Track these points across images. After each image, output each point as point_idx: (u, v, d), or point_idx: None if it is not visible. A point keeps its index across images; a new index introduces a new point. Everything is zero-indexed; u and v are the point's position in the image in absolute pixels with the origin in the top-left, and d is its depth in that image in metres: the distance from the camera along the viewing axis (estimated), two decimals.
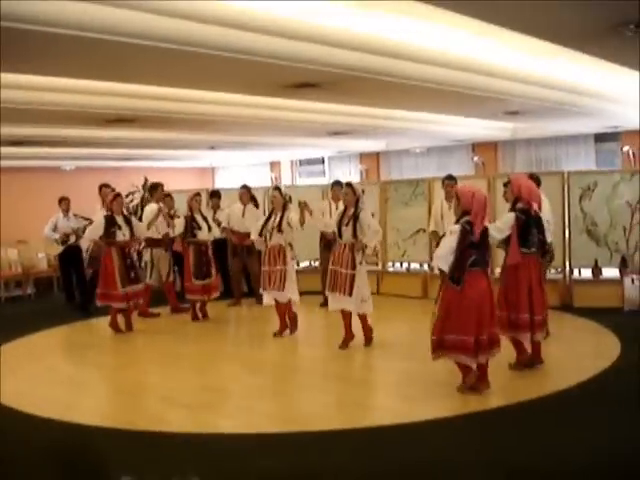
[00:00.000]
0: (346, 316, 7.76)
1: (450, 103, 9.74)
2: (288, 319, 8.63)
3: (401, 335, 8.98)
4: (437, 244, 6.31)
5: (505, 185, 7.28)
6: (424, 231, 11.14)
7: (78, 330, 9.74)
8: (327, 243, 10.27)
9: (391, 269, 12.20)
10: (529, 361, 6.63)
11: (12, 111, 8.42)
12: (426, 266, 11.45)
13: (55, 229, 11.25)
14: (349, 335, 7.84)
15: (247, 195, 11.04)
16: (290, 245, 8.54)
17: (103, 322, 9.39)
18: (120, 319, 9.16)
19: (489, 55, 7.47)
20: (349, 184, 7.86)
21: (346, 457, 4.76)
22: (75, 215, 11.47)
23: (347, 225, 7.61)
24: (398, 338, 8.77)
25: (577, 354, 7.37)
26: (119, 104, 8.76)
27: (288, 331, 8.64)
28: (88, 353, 8.36)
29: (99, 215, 9.41)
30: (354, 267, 7.55)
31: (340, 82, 7.70)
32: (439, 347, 5.77)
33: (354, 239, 7.55)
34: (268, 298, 8.52)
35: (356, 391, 6.42)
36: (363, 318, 7.81)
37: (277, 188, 8.86)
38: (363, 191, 7.90)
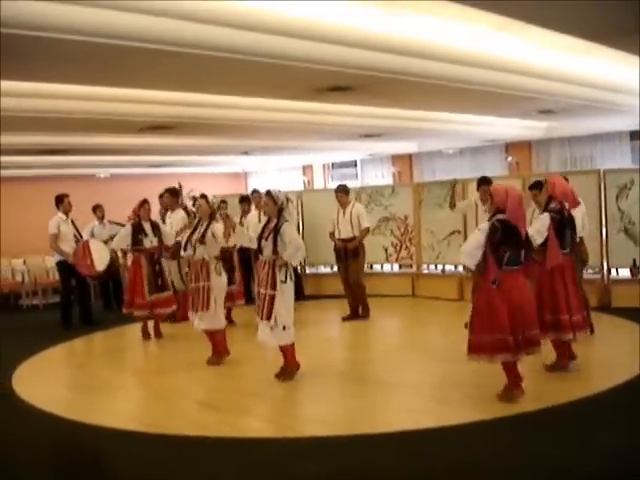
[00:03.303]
0: None
1: (483, 103, 9.68)
2: (212, 344, 7.67)
3: (436, 337, 8.95)
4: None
5: (530, 188, 7.23)
6: (459, 232, 11.09)
7: (112, 336, 9.84)
8: (337, 252, 10.16)
9: (426, 271, 12.14)
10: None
11: (50, 120, 8.56)
12: (461, 268, 11.36)
13: (92, 237, 11.35)
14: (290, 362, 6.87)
15: (260, 201, 10.81)
16: (216, 258, 7.58)
17: (136, 328, 9.45)
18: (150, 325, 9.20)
19: (522, 54, 7.40)
20: (268, 192, 6.82)
21: (384, 460, 4.75)
22: (110, 222, 11.58)
23: (267, 239, 6.65)
24: (434, 340, 8.75)
25: (615, 355, 7.27)
26: (153, 112, 8.85)
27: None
28: (122, 359, 8.45)
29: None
30: (274, 287, 6.58)
31: (371, 84, 7.69)
32: (478, 349, 5.67)
33: (275, 255, 6.61)
34: (197, 322, 7.60)
35: (392, 394, 6.38)
36: (286, 350, 6.80)
37: (203, 196, 7.97)
38: (288, 200, 6.84)
